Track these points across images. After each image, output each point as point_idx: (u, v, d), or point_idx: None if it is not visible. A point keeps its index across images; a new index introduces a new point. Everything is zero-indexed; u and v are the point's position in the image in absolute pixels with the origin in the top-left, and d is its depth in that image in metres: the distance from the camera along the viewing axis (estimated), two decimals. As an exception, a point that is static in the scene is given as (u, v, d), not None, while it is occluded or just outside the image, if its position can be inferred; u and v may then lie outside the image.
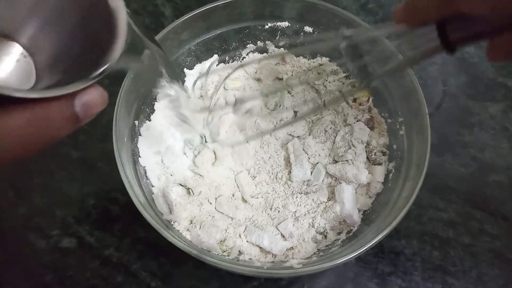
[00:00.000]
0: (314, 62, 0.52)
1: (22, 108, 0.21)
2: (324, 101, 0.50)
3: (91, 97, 0.23)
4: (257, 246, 0.42)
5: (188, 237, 0.42)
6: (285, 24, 0.50)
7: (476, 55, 0.57)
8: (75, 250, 0.45)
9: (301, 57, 0.52)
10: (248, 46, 0.52)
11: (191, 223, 0.42)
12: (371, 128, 0.48)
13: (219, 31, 0.49)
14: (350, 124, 0.48)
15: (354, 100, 0.49)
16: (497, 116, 0.53)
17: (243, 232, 0.42)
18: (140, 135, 0.45)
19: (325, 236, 0.43)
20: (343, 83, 0.50)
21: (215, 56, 0.51)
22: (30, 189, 0.48)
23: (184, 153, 0.47)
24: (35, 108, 0.21)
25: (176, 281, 0.43)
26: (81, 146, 0.51)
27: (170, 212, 0.41)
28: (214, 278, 0.43)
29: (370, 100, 0.49)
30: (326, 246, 0.42)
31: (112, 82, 0.54)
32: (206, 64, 0.51)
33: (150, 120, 0.46)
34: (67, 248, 0.45)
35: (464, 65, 0.57)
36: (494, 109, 0.53)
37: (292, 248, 0.42)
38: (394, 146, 0.46)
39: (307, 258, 0.41)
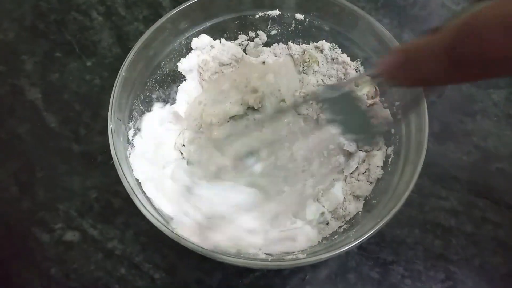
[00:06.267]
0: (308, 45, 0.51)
1: None
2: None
3: None
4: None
5: None
6: (276, 12, 0.49)
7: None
8: (78, 243, 0.45)
9: (290, 41, 0.51)
10: (239, 36, 0.51)
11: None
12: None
13: (215, 21, 0.49)
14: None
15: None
16: (500, 103, 0.52)
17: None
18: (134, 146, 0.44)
19: (327, 224, 0.43)
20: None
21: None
22: (33, 183, 0.48)
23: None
24: None
25: (180, 273, 0.44)
26: (83, 139, 0.51)
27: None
28: (218, 269, 0.44)
29: (378, 91, 0.47)
30: (329, 234, 0.42)
31: (111, 75, 0.55)
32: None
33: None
34: (71, 241, 0.45)
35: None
36: (497, 96, 0.53)
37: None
38: (392, 131, 0.45)
39: (312, 246, 0.41)
